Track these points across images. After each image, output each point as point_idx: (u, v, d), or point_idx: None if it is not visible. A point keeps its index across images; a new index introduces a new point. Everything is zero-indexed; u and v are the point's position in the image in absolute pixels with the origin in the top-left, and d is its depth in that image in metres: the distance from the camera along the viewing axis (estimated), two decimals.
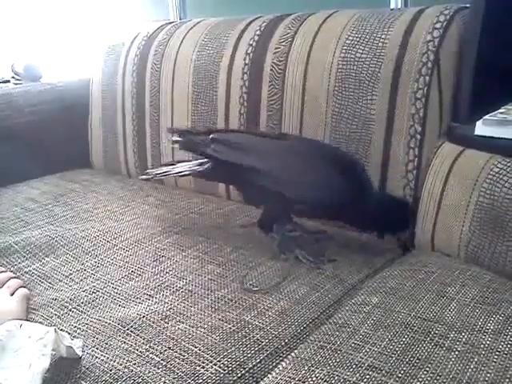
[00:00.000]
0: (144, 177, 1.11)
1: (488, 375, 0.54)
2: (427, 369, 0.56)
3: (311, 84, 1.01)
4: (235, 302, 0.76)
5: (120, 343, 0.68)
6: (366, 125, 0.95)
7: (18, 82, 1.57)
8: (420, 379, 0.55)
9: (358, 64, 0.95)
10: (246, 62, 1.11)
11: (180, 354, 0.65)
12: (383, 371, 0.57)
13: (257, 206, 0.99)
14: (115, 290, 0.81)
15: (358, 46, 0.96)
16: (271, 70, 1.07)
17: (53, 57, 1.86)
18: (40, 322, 0.74)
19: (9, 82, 1.55)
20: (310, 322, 0.73)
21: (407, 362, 0.58)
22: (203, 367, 0.63)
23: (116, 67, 1.40)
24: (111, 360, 0.65)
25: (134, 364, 0.64)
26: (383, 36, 0.94)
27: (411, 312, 0.67)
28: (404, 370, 0.57)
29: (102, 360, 0.65)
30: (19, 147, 1.38)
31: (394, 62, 0.91)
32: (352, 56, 0.96)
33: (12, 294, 0.80)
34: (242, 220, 1.04)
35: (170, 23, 1.36)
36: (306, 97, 1.01)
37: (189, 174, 1.00)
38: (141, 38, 1.36)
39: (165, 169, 1.02)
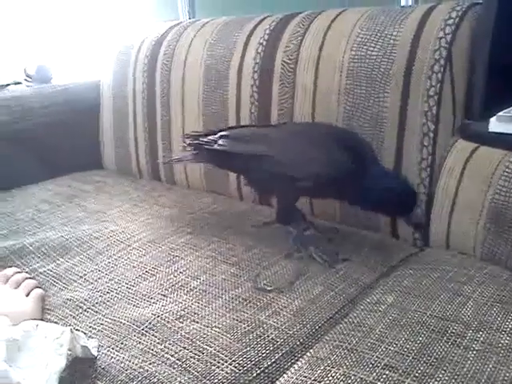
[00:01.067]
0: (162, 160, 1.30)
1: (507, 374, 0.54)
2: (445, 368, 0.56)
3: (322, 82, 1.00)
4: (249, 302, 0.75)
5: (135, 343, 0.68)
6: (378, 123, 0.94)
7: (29, 83, 1.58)
8: (438, 379, 0.55)
9: (370, 62, 0.94)
10: (257, 60, 1.11)
11: (195, 353, 0.65)
12: (400, 371, 0.56)
13: (261, 192, 1.05)
14: (129, 290, 0.81)
15: (368, 44, 0.95)
16: (282, 68, 1.06)
17: (63, 59, 1.87)
18: (55, 322, 0.74)
19: (21, 83, 1.56)
20: (325, 322, 0.72)
21: (424, 362, 0.57)
22: (218, 367, 0.63)
23: (126, 68, 1.40)
24: (127, 360, 0.65)
25: (150, 364, 0.64)
26: (394, 33, 0.93)
27: (427, 311, 0.67)
28: (421, 370, 0.56)
29: (118, 360, 0.65)
30: (31, 148, 1.39)
31: (405, 60, 0.91)
32: (363, 54, 0.95)
33: (27, 295, 0.80)
34: (254, 220, 1.04)
35: (180, 23, 1.36)
36: (317, 95, 1.01)
37: (201, 161, 1.07)
38: (150, 39, 1.36)
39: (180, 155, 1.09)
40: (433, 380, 0.55)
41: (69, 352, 0.62)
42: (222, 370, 0.63)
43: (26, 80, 1.63)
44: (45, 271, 0.89)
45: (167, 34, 1.33)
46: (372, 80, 0.94)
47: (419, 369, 0.56)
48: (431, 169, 0.91)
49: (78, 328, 0.72)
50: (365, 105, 0.95)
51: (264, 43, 1.11)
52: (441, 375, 0.55)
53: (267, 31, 1.12)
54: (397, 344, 0.61)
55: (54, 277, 0.87)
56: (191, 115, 1.24)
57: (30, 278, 0.86)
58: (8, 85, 1.49)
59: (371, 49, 0.94)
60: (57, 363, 0.60)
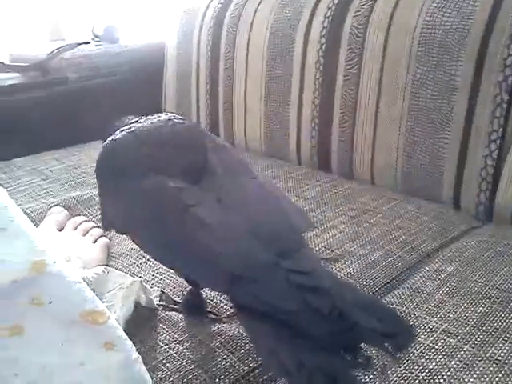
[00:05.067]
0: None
1: None
2: (505, 338, 0.55)
3: (392, 48, 0.98)
4: None
5: None
6: (448, 92, 0.91)
7: (97, 43, 1.63)
8: (498, 347, 0.54)
9: (444, 28, 0.91)
10: (325, 25, 1.09)
11: None
12: (459, 337, 0.56)
13: None
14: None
15: (444, 9, 0.92)
16: (350, 33, 1.04)
17: (130, 19, 1.90)
18: (120, 270, 0.78)
19: (89, 43, 1.60)
20: (383, 286, 0.72)
21: (484, 331, 0.57)
22: None
23: (191, 30, 1.41)
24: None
25: (210, 313, 0.67)
26: None
27: (489, 282, 0.66)
28: (481, 338, 0.56)
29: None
30: (97, 106, 1.44)
31: (483, 27, 0.87)
32: (438, 19, 0.92)
33: (94, 242, 0.84)
34: (312, 185, 1.04)
35: None
36: (386, 61, 0.99)
37: None
38: (217, 1, 1.36)
39: None
40: (492, 348, 0.54)
41: (135, 301, 0.65)
42: None
43: (93, 40, 1.67)
44: None
45: None
46: (445, 47, 0.91)
47: (479, 337, 0.56)
48: (501, 141, 0.88)
49: (142, 276, 0.76)
50: (436, 73, 0.92)
51: (333, 7, 1.09)
52: (501, 344, 0.55)
53: None
54: (456, 312, 0.61)
55: None
56: (254, 79, 1.24)
57: (96, 226, 0.90)
58: (79, 44, 1.53)
59: (447, 14, 0.91)
60: (125, 308, 0.62)
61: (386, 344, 0.41)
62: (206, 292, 0.70)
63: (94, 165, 1.17)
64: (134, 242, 0.62)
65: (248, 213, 0.51)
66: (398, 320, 0.45)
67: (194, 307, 0.67)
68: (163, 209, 0.52)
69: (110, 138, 0.63)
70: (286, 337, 0.41)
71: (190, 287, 0.68)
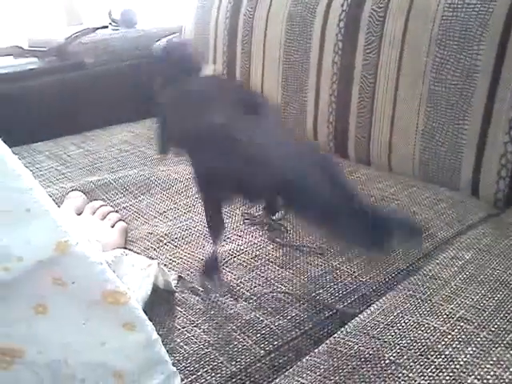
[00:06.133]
0: None
1: None
2: None
3: (412, 32, 0.96)
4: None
5: None
6: (469, 76, 0.89)
7: (115, 28, 1.63)
8: None
9: (466, 11, 0.89)
10: (344, 8, 1.08)
11: (269, 291, 0.68)
12: (475, 323, 0.56)
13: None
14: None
15: None
16: (370, 16, 1.03)
17: (147, 3, 1.90)
18: (138, 253, 0.79)
19: (107, 27, 1.60)
20: (399, 272, 0.73)
21: (501, 318, 0.57)
22: (292, 305, 0.66)
23: (209, 14, 1.40)
24: (204, 292, 0.69)
25: (225, 297, 0.68)
26: None
27: (507, 270, 0.65)
28: (498, 325, 0.56)
29: (196, 292, 0.69)
30: (115, 91, 1.45)
31: (506, 9, 0.85)
32: (460, 2, 0.90)
33: (112, 227, 0.85)
34: None
35: None
36: (406, 45, 0.97)
37: None
38: None
39: None
40: (510, 335, 0.54)
41: (152, 283, 0.66)
42: (296, 309, 0.65)
43: (111, 24, 1.67)
44: (127, 206, 0.94)
45: None
46: (467, 30, 0.89)
47: (496, 323, 0.56)
48: None
49: (159, 260, 0.76)
50: (456, 57, 0.90)
51: None
52: None
53: None
54: (473, 299, 0.60)
55: (135, 212, 0.92)
56: (272, 64, 1.23)
57: (114, 211, 0.91)
58: (96, 28, 1.54)
59: None
60: (142, 291, 0.63)
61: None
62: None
63: (112, 150, 1.21)
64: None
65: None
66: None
67: (213, 269, 0.71)
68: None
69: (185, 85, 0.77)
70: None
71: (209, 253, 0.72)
